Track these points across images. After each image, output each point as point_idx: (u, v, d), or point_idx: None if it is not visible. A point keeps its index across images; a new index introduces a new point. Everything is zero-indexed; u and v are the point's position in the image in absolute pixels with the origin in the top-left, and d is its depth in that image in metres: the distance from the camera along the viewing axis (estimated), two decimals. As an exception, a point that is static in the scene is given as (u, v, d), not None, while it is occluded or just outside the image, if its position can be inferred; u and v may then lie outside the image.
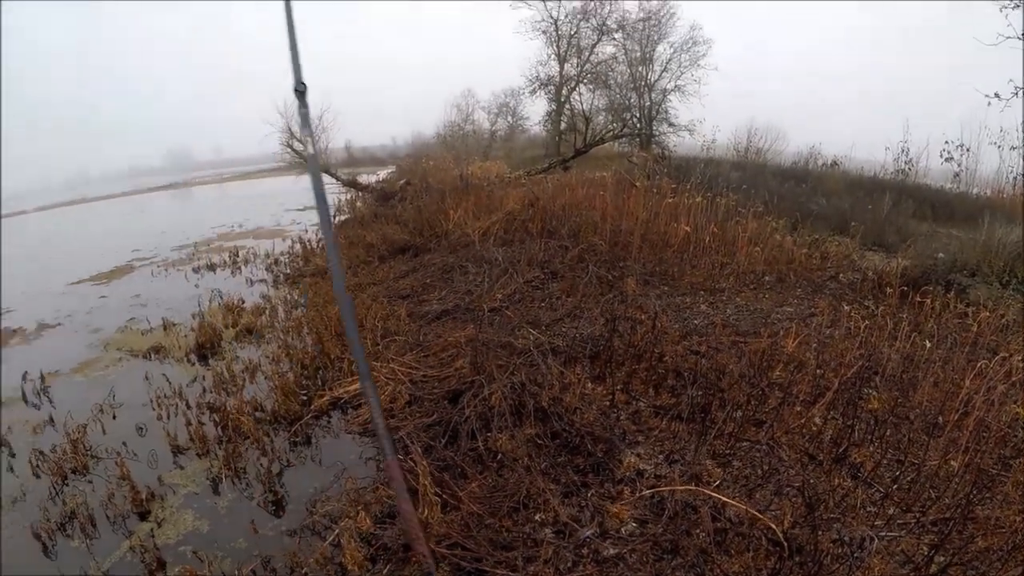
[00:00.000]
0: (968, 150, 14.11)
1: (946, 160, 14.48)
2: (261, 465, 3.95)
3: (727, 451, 3.41)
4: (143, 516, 3.59)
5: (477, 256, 7.38)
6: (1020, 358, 4.10)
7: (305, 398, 4.74)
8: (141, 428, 4.64)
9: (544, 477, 3.21)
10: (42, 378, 5.69)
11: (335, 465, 3.87)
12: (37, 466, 4.10)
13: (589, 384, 4.21)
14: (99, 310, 8.29)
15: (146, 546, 3.27)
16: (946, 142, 14.35)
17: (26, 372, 5.68)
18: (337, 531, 3.11)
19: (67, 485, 3.95)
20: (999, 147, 12.53)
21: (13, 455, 4.39)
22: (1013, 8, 7.30)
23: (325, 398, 4.64)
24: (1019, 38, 7.30)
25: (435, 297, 6.61)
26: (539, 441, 3.53)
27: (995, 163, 13.28)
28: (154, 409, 4.84)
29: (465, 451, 3.55)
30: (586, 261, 6.84)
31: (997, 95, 7.82)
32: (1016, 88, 7.62)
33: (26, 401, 5.30)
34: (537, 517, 2.95)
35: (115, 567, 3.18)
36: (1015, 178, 12.76)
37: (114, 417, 4.87)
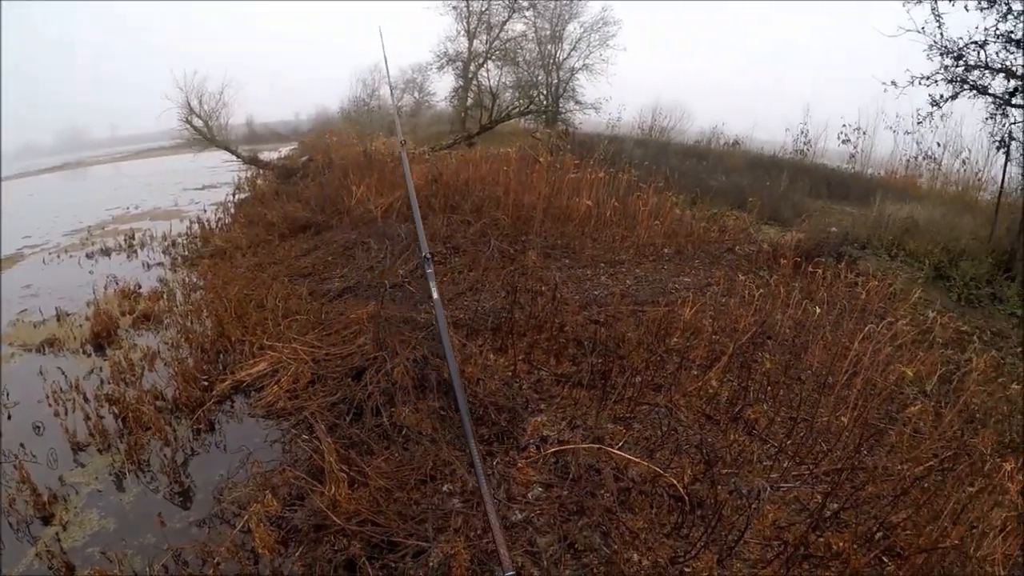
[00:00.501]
0: (864, 133, 15.23)
1: (843, 142, 15.62)
2: (165, 456, 3.79)
3: (628, 415, 3.57)
4: (47, 520, 3.36)
5: (379, 232, 7.27)
6: (905, 323, 4.49)
7: (206, 383, 4.55)
8: (38, 427, 4.32)
9: (450, 448, 3.26)
10: (-74, 379, 5.19)
11: (240, 450, 3.76)
12: (-74, 478, 3.77)
13: (491, 355, 4.29)
14: (-13, 303, 7.66)
15: (52, 551, 3.07)
16: (844, 125, 15.43)
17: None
18: (246, 517, 3.02)
19: (-37, 494, 3.67)
20: (894, 131, 13.55)
21: None
22: (916, 4, 7.80)
23: (227, 382, 4.46)
24: (919, 31, 7.81)
25: (337, 275, 6.50)
26: (443, 413, 3.58)
27: (889, 146, 14.36)
28: (51, 405, 4.51)
29: (370, 427, 3.53)
30: (488, 235, 6.89)
31: (894, 83, 8.36)
32: (912, 77, 8.15)
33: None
34: (445, 488, 2.99)
35: (22, 578, 3.00)
36: (907, 160, 13.83)
37: (9, 417, 4.51)
